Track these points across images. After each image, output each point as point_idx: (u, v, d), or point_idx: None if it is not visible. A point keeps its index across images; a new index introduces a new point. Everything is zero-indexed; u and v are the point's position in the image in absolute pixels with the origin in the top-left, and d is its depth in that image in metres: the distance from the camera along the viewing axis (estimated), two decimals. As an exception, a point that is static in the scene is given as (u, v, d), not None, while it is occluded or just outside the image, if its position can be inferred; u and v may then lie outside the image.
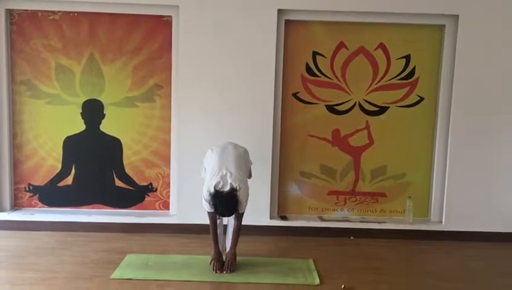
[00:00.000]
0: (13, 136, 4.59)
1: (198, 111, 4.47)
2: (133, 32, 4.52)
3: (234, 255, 3.73)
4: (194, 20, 4.39)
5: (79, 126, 4.61)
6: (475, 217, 4.57)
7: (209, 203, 3.60)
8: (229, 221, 3.87)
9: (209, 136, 4.34)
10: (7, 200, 4.60)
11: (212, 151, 3.80)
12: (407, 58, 4.59)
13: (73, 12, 4.47)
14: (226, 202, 3.51)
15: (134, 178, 4.69)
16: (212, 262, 3.70)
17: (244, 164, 3.77)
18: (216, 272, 3.64)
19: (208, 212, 3.69)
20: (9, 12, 4.47)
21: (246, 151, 3.89)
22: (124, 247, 4.16)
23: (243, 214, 3.71)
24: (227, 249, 3.82)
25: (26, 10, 4.46)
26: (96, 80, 4.56)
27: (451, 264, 4.04)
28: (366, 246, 4.41)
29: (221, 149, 3.78)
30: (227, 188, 3.53)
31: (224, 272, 3.64)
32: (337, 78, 4.61)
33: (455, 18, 4.44)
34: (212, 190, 3.54)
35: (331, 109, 4.65)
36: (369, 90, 4.62)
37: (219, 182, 3.55)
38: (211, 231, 3.73)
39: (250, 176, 3.92)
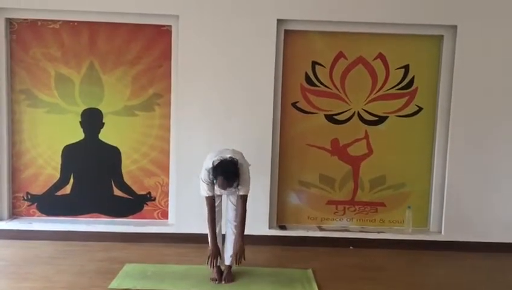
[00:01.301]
0: (12, 144, 4.59)
1: (198, 120, 4.47)
2: (133, 42, 4.53)
3: (243, 247, 3.61)
4: (194, 30, 4.41)
5: (78, 135, 4.61)
6: (475, 227, 4.57)
7: (207, 183, 3.53)
8: (228, 228, 3.80)
9: (209, 146, 4.31)
10: (5, 209, 4.59)
11: (210, 152, 3.77)
12: (406, 68, 4.61)
13: (73, 22, 4.49)
14: (226, 167, 3.43)
15: (133, 187, 4.68)
16: (209, 259, 3.58)
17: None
18: (212, 268, 3.55)
19: (206, 198, 3.59)
20: (9, 22, 4.48)
21: (242, 154, 3.86)
22: (123, 256, 4.14)
23: (246, 199, 3.61)
24: (226, 259, 3.76)
25: (26, 19, 4.48)
26: (95, 89, 4.57)
27: (450, 275, 4.03)
28: (365, 256, 4.39)
29: (219, 150, 3.76)
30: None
31: (226, 279, 3.61)
32: (336, 88, 4.62)
33: (453, 29, 4.46)
34: (211, 165, 3.49)
35: (330, 118, 4.65)
36: (368, 100, 4.63)
37: (217, 159, 3.50)
38: (208, 219, 3.60)
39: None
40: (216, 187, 3.59)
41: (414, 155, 4.69)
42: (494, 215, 4.58)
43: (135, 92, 4.58)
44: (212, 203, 3.63)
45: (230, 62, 4.45)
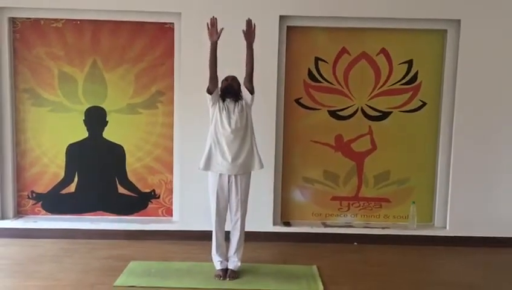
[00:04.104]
0: (16, 143, 4.60)
1: (201, 118, 4.46)
2: (136, 40, 4.53)
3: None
4: (196, 27, 4.37)
5: (82, 133, 4.62)
6: (480, 222, 4.55)
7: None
8: (231, 236, 3.77)
9: (212, 143, 4.33)
10: (10, 208, 4.61)
11: None
12: (410, 63, 4.59)
13: (76, 20, 4.49)
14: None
15: (137, 185, 4.69)
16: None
17: None
18: (213, 31, 3.69)
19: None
20: (13, 21, 4.49)
21: None
22: (127, 254, 4.15)
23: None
24: (230, 263, 3.74)
25: (29, 18, 4.49)
26: (98, 87, 4.57)
27: (456, 270, 4.02)
28: (370, 252, 4.38)
29: None
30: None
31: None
32: (339, 83, 4.61)
33: (457, 23, 4.44)
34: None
35: (333, 114, 4.64)
36: (371, 95, 4.62)
37: None
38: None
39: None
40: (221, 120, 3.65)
41: (418, 150, 4.67)
42: (499, 210, 4.55)
43: (138, 90, 4.59)
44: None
45: (232, 59, 4.43)
